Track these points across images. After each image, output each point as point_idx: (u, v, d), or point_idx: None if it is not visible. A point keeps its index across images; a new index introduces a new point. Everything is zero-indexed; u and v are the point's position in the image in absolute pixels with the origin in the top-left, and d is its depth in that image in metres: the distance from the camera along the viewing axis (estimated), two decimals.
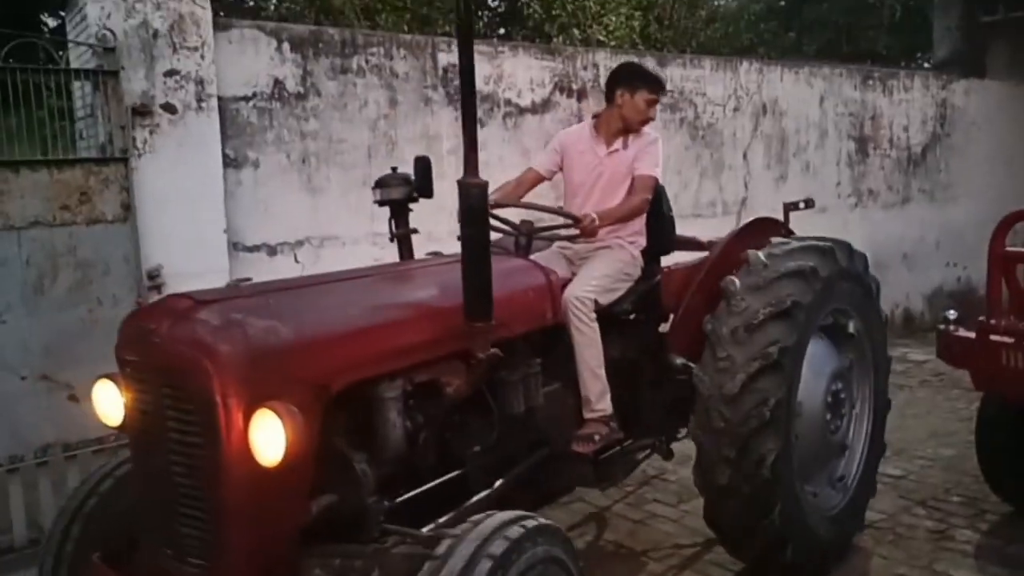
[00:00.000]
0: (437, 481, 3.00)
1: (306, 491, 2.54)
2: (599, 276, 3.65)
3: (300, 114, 5.31)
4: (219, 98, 4.92)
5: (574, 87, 6.56)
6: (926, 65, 15.37)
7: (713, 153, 7.34)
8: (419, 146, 5.79)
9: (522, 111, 6.31)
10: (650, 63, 6.91)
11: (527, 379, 3.30)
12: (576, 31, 10.86)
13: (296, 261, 5.32)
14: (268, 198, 5.21)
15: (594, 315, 3.50)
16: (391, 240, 3.74)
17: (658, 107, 4.07)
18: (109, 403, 2.67)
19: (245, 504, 2.41)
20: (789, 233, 4.18)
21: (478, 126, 6.19)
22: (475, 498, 3.04)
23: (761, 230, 4.05)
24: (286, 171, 5.27)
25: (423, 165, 3.44)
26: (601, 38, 10.75)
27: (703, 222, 7.23)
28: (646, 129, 3.98)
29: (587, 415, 3.56)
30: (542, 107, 6.41)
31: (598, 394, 3.54)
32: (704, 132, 7.28)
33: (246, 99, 5.12)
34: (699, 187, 7.27)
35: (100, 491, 2.86)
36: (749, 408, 3.39)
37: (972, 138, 9.36)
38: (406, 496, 2.87)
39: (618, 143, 3.93)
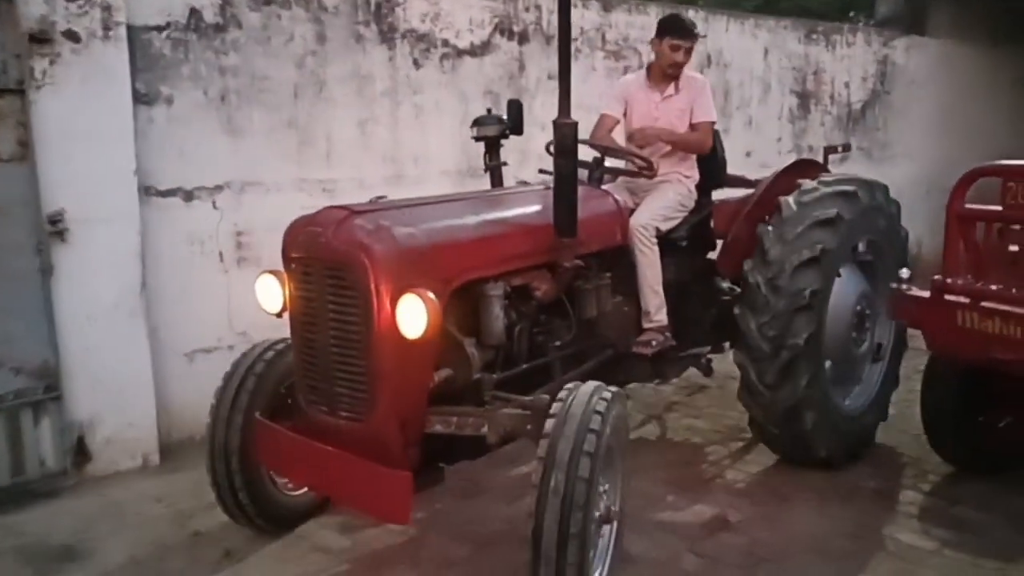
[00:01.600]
0: (527, 366, 3.66)
1: (433, 363, 3.20)
2: (660, 207, 4.33)
3: (219, 47, 4.88)
4: (129, 27, 4.46)
5: (515, 29, 6.23)
6: (860, 25, 15.35)
7: None
8: (350, 87, 5.44)
9: (460, 53, 5.96)
10: (594, 7, 6.65)
11: (599, 289, 3.96)
12: None
13: (214, 207, 4.93)
14: (183, 139, 4.78)
15: (655, 240, 4.19)
16: (485, 171, 4.51)
17: (690, 52, 4.51)
18: (269, 293, 3.31)
19: (390, 368, 3.04)
20: (824, 174, 4.64)
21: (414, 68, 5.87)
22: (556, 382, 3.63)
23: (801, 170, 4.62)
24: (203, 109, 4.85)
25: (516, 107, 4.26)
26: None
27: None
28: (693, 73, 4.64)
29: (646, 324, 4.26)
30: (481, 49, 6.07)
31: (656, 307, 4.23)
32: None
33: (159, 29, 4.67)
34: None
35: (257, 366, 3.58)
36: (784, 342, 4.07)
37: (911, 97, 9.33)
38: (504, 375, 3.49)
39: (670, 88, 4.53)
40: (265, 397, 3.57)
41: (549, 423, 2.86)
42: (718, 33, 7.46)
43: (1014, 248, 3.52)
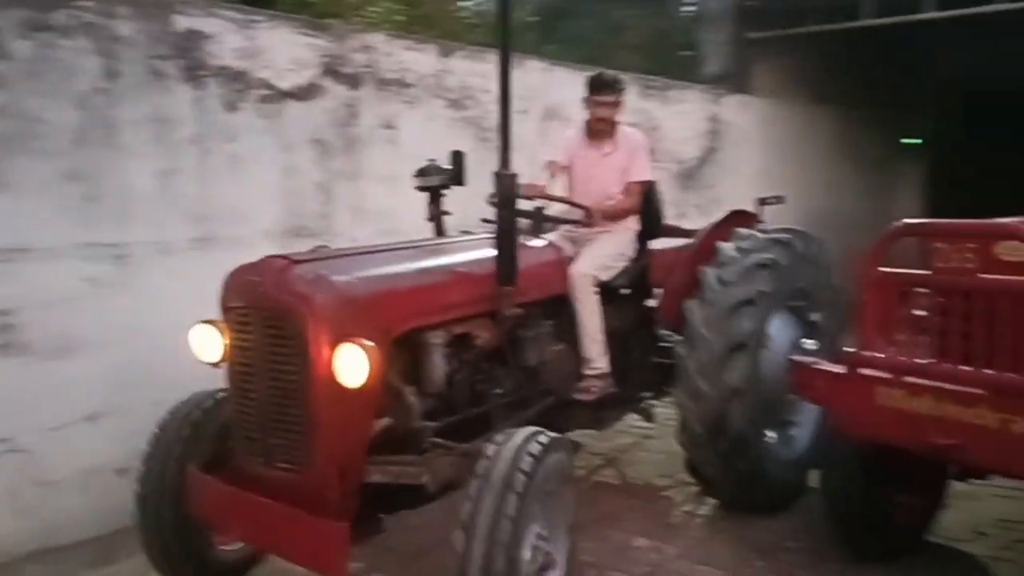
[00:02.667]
0: (468, 414, 3.68)
1: (373, 412, 3.21)
2: (600, 256, 4.45)
3: None
4: None
5: (346, 72, 5.51)
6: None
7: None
8: (147, 132, 4.53)
9: (283, 95, 5.17)
10: (432, 51, 6.07)
11: (540, 337, 4.08)
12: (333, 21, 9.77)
13: None
14: None
15: (595, 288, 4.32)
16: (429, 220, 4.51)
17: (615, 106, 4.64)
18: (206, 343, 3.29)
19: (329, 418, 3.04)
20: (758, 223, 4.87)
21: (228, 111, 5.00)
22: (496, 430, 3.45)
23: (737, 221, 4.80)
24: None
25: (458, 158, 4.37)
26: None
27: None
28: (631, 130, 4.82)
29: (586, 371, 4.34)
30: (307, 93, 5.30)
31: (597, 354, 4.32)
32: (491, 134, 6.46)
33: None
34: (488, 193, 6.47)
35: (194, 415, 3.48)
36: (721, 380, 4.14)
37: (740, 154, 9.37)
38: (444, 423, 3.48)
39: (608, 146, 4.70)
40: (202, 447, 3.47)
41: (481, 464, 2.92)
42: (559, 85, 7.06)
43: (939, 316, 3.14)
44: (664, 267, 4.76)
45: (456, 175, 4.34)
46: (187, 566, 3.52)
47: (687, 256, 4.69)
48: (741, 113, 9.30)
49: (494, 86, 6.41)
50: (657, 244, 5.02)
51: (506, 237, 3.59)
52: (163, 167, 4.61)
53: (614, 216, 4.57)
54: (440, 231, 4.51)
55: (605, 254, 4.49)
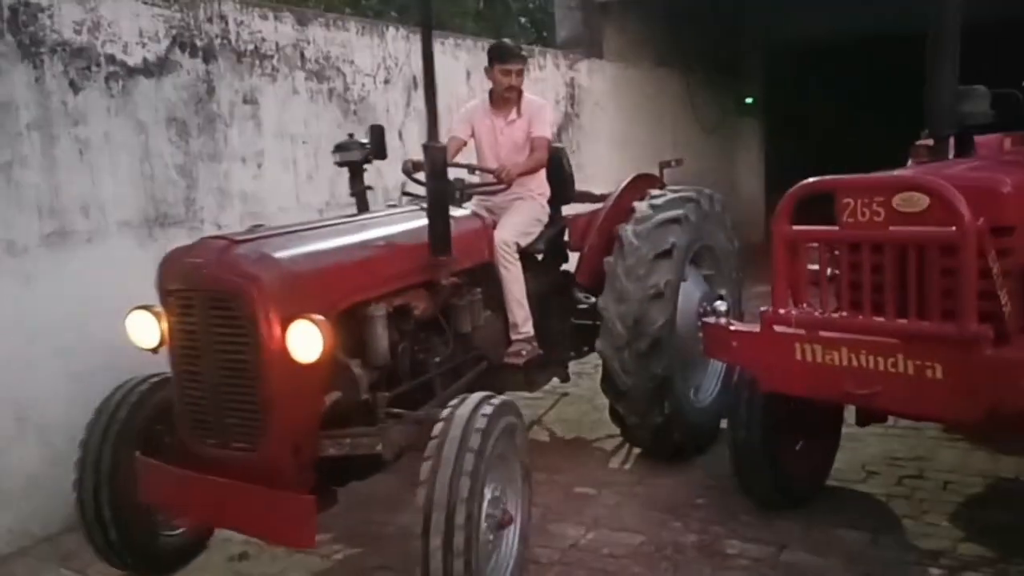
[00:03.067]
0: (411, 383, 3.74)
1: (323, 388, 3.26)
2: (518, 223, 4.59)
3: None
4: None
5: (198, 44, 5.09)
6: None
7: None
8: None
9: (132, 72, 4.71)
10: (288, 20, 5.71)
11: (472, 305, 4.15)
12: None
13: None
14: None
15: (517, 255, 4.45)
16: (351, 196, 4.48)
17: (521, 74, 4.78)
18: (144, 329, 3.31)
19: (282, 395, 3.10)
20: (663, 186, 5.07)
21: (72, 92, 4.51)
22: (438, 397, 3.77)
23: (643, 183, 5.05)
24: None
25: (378, 132, 4.29)
26: None
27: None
28: (533, 97, 4.94)
29: (514, 336, 4.52)
30: (158, 68, 4.86)
31: (523, 319, 4.50)
32: (356, 106, 6.22)
33: None
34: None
35: (131, 397, 3.52)
36: (643, 329, 4.38)
37: (596, 118, 9.45)
38: (391, 394, 3.52)
39: (513, 114, 4.81)
40: (139, 430, 3.50)
41: (437, 427, 3.00)
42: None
43: (849, 271, 3.22)
44: (580, 230, 4.93)
45: (377, 149, 4.28)
46: (130, 551, 3.54)
47: (603, 217, 4.84)
48: (595, 78, 9.36)
49: (357, 56, 6.21)
50: (569, 209, 5.19)
51: (438, 208, 3.66)
52: (1, 158, 4.10)
53: (524, 172, 4.63)
54: (363, 207, 4.45)
55: (523, 220, 4.63)
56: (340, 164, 4.46)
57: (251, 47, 5.42)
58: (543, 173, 4.87)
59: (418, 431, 3.25)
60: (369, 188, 4.48)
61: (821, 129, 15.35)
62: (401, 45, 6.65)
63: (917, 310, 3.02)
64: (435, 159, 3.63)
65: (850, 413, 4.09)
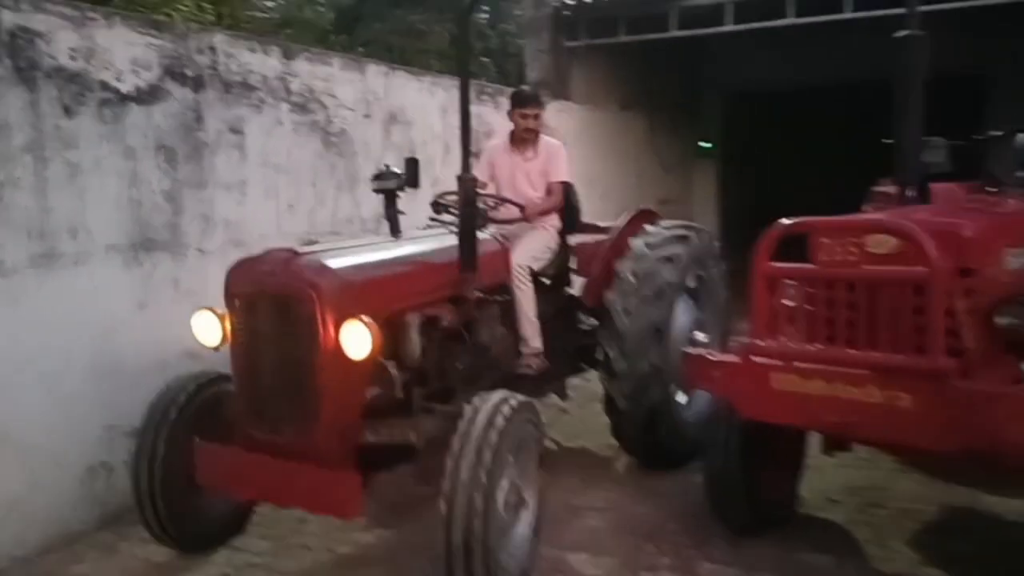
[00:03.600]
0: (437, 385, 4.18)
1: (366, 384, 3.73)
2: (533, 249, 5.09)
3: None
4: None
5: (189, 74, 5.19)
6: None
7: (347, 164, 6.43)
8: None
9: (124, 99, 4.79)
10: (275, 53, 5.83)
11: (489, 319, 4.63)
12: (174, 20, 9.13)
13: None
14: None
15: (530, 278, 4.97)
16: (386, 219, 4.72)
17: (538, 117, 5.34)
18: (208, 328, 3.86)
19: (334, 388, 3.60)
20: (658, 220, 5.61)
21: (65, 116, 4.59)
22: (459, 397, 4.10)
23: (643, 217, 5.58)
24: None
25: (412, 164, 4.63)
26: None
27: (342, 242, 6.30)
28: (550, 139, 5.49)
29: (524, 350, 4.94)
30: (149, 96, 4.94)
31: (532, 335, 4.94)
32: (337, 139, 6.34)
33: None
34: (336, 202, 6.31)
35: (190, 386, 4.06)
36: (638, 359, 4.92)
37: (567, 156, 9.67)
38: (423, 390, 4.02)
39: (530, 152, 5.38)
40: (187, 422, 3.96)
41: (462, 424, 3.43)
42: (399, 89, 7.01)
43: (825, 306, 3.43)
44: (586, 258, 5.46)
45: (411, 179, 4.65)
46: (175, 530, 4.03)
47: (605, 250, 5.36)
48: (563, 118, 9.61)
49: (339, 90, 6.35)
50: (576, 239, 5.62)
51: (467, 231, 4.21)
52: None
53: (543, 212, 5.21)
54: (395, 229, 4.76)
55: (536, 247, 5.14)
56: (377, 191, 4.81)
57: (239, 78, 5.52)
58: None
59: (447, 424, 3.65)
60: (402, 213, 4.80)
61: (774, 172, 15.86)
62: (380, 81, 6.81)
63: (888, 344, 3.24)
64: (467, 188, 4.19)
65: (815, 442, 4.30)
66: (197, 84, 5.24)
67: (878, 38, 11.15)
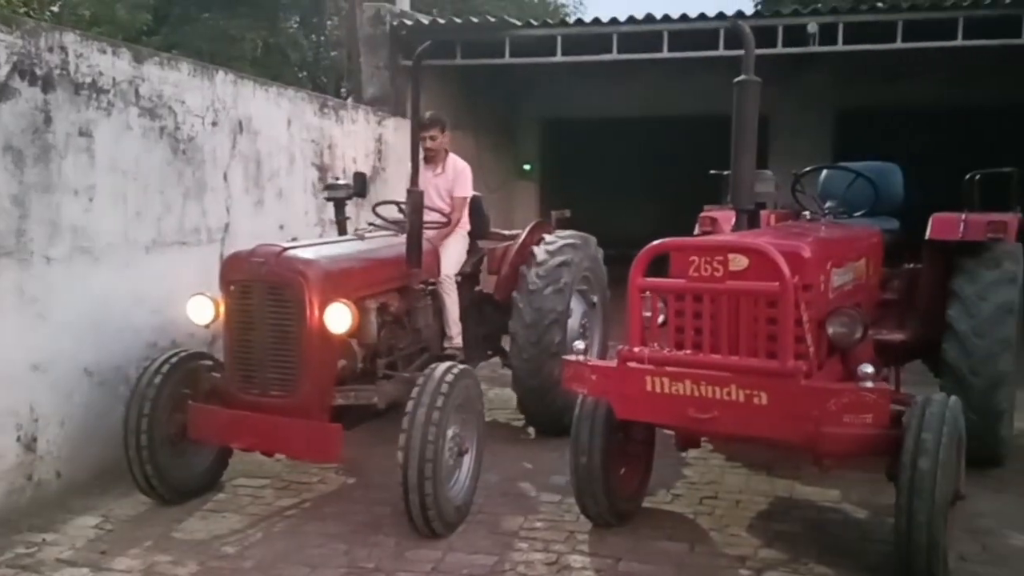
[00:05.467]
0: (386, 361, 5.12)
1: (337, 356, 4.69)
2: (455, 259, 6.07)
3: None
4: None
5: (38, 72, 4.94)
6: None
7: (195, 172, 6.29)
8: None
9: None
10: (125, 56, 5.66)
11: (425, 309, 5.56)
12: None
13: None
14: None
15: (455, 287, 5.94)
16: (335, 223, 6.33)
17: (434, 138, 6.28)
18: (202, 310, 4.77)
19: (315, 358, 4.54)
20: (553, 230, 6.59)
21: None
22: (405, 369, 5.23)
23: (540, 228, 6.57)
24: None
25: (361, 178, 6.42)
26: None
27: (189, 251, 6.18)
28: (457, 159, 6.45)
29: (447, 345, 5.90)
30: None
31: (456, 333, 5.93)
32: (185, 147, 6.20)
33: None
34: (183, 210, 6.15)
35: (164, 368, 4.82)
36: (543, 346, 5.96)
37: (400, 173, 9.83)
38: (383, 361, 5.09)
39: (439, 168, 6.37)
40: (170, 391, 4.77)
41: (417, 384, 4.38)
42: (247, 99, 6.93)
43: (693, 316, 3.86)
44: (497, 261, 6.46)
45: (360, 190, 6.26)
46: (160, 483, 4.77)
47: (512, 255, 6.35)
48: (399, 135, 9.79)
49: (189, 96, 6.24)
50: (487, 244, 6.67)
51: (414, 232, 5.13)
52: None
53: (453, 227, 6.22)
54: (343, 231, 6.12)
55: (458, 254, 6.15)
56: (329, 199, 6.16)
57: (89, 80, 5.32)
58: (466, 215, 6.37)
59: (403, 388, 4.64)
60: (348, 218, 6.22)
61: (591, 197, 16.77)
62: (229, 89, 6.71)
63: (747, 349, 3.71)
64: (415, 199, 5.10)
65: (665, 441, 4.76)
66: (47, 84, 5.01)
67: (688, 77, 12.21)
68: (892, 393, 3.92)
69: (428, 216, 5.71)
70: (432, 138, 6.18)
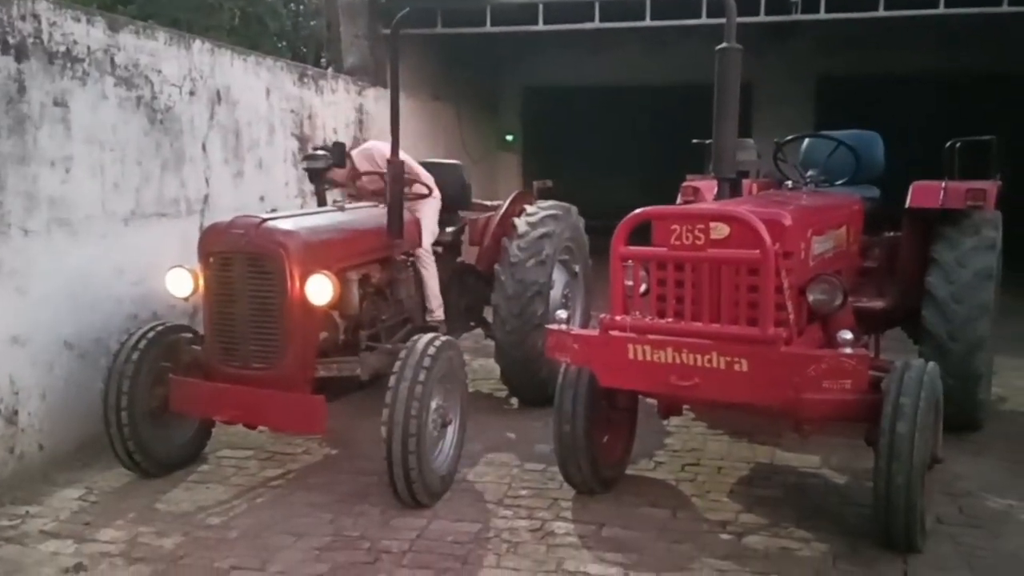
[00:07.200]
0: (368, 332, 5.06)
1: (319, 328, 4.64)
2: (430, 228, 5.95)
3: None
4: None
5: (11, 41, 4.86)
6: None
7: (173, 142, 6.23)
8: None
9: None
10: (99, 24, 5.56)
11: (407, 280, 5.59)
12: None
13: None
14: None
15: (433, 259, 5.91)
16: (314, 194, 6.16)
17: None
18: (180, 282, 4.68)
19: (297, 329, 4.48)
20: (535, 200, 6.51)
21: None
22: (388, 341, 5.19)
23: (522, 199, 6.49)
24: None
25: (339, 147, 5.93)
26: None
27: (168, 223, 6.13)
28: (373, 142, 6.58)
29: (428, 318, 5.84)
30: None
31: (437, 306, 5.88)
32: (163, 117, 6.12)
33: None
34: (162, 181, 6.09)
35: (150, 334, 4.78)
36: (526, 317, 5.91)
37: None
38: (365, 333, 5.01)
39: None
40: (153, 359, 4.72)
41: (400, 356, 4.34)
42: (225, 68, 6.85)
43: (675, 284, 3.87)
44: (479, 232, 6.38)
45: (338, 159, 5.83)
46: (142, 458, 4.73)
47: (494, 226, 6.28)
48: (380, 105, 9.70)
49: (164, 65, 6.14)
50: (468, 215, 6.58)
51: (396, 204, 5.11)
52: None
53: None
54: (323, 202, 5.96)
55: (432, 222, 6.00)
56: (307, 170, 5.91)
57: (63, 48, 5.23)
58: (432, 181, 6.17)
59: (386, 359, 4.61)
60: (327, 188, 6.07)
61: (573, 166, 16.74)
62: (207, 58, 6.63)
63: (728, 317, 3.73)
64: (396, 169, 5.07)
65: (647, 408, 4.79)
66: (20, 53, 4.92)
67: (671, 46, 12.16)
68: (871, 359, 3.96)
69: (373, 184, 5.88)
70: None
